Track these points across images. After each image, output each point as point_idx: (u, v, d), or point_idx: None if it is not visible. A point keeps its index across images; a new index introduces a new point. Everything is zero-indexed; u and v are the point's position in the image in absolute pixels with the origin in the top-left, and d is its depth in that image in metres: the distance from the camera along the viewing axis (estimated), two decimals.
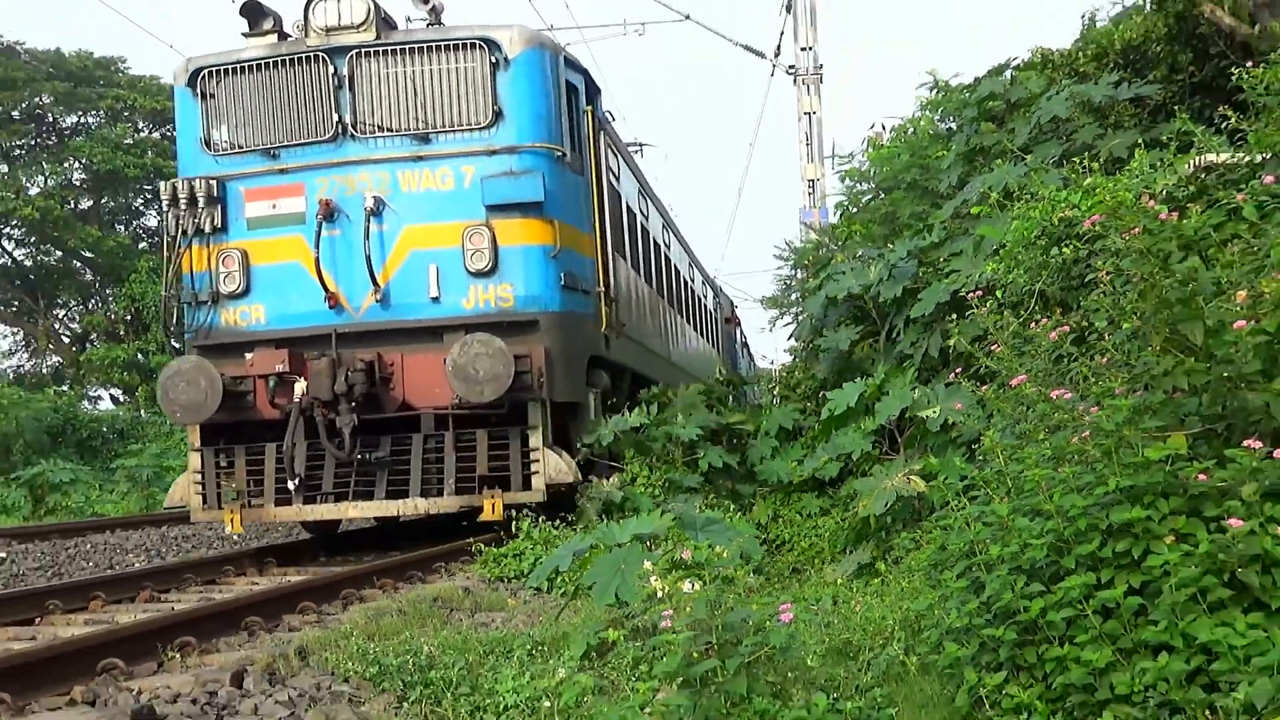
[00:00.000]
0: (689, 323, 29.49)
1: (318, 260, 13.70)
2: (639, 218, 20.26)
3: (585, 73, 16.33)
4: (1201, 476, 4.50)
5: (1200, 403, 5.11)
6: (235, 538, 18.47)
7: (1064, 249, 7.85)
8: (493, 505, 13.16)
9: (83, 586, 10.34)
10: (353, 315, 14.13)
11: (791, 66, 32.34)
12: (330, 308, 13.95)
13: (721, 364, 33.86)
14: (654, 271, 22.15)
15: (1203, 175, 7.74)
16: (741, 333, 52.72)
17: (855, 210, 14.52)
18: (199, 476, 14.39)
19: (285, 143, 14.22)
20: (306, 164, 14.21)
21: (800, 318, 12.94)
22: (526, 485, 13.47)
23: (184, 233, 14.23)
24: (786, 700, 3.65)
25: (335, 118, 14.02)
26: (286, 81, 14.16)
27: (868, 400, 10.33)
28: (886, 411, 9.88)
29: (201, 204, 14.07)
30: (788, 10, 32.36)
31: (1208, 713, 4.02)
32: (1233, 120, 8.09)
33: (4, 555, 16.35)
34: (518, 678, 5.04)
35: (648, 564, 4.67)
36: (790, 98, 32.55)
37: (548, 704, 4.44)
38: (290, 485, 13.69)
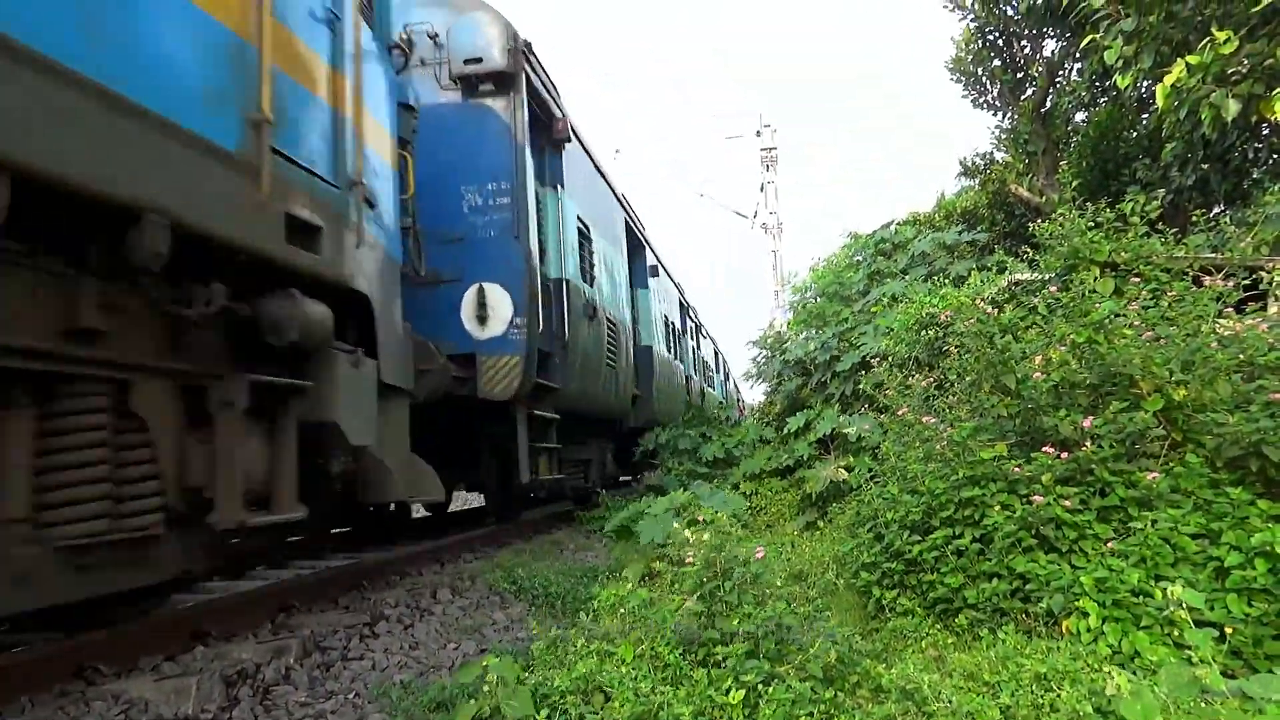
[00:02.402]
0: None
1: None
2: None
3: None
4: (1016, 469, 4.42)
5: (1015, 424, 5.02)
6: None
7: (929, 332, 7.78)
8: None
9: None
10: None
11: (764, 223, 32.36)
12: None
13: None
14: None
15: (1013, 287, 7.66)
16: (684, 300, 20.99)
17: (801, 309, 14.44)
18: None
19: None
20: None
21: (765, 373, 12.75)
22: None
23: None
24: (762, 606, 3.58)
25: None
26: None
27: (810, 422, 10.25)
28: (822, 429, 9.79)
29: None
30: (761, 191, 32.52)
31: (1024, 615, 3.92)
32: (1030, 254, 8.02)
33: None
34: (605, 590, 4.97)
35: (676, 523, 4.62)
36: (764, 242, 32.54)
37: (620, 607, 4.38)
38: None
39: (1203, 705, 1.82)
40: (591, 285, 10.40)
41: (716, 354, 30.84)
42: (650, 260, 15.90)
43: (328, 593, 5.91)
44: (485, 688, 2.95)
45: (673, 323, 18.43)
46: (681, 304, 20.67)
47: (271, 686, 3.92)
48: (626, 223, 13.95)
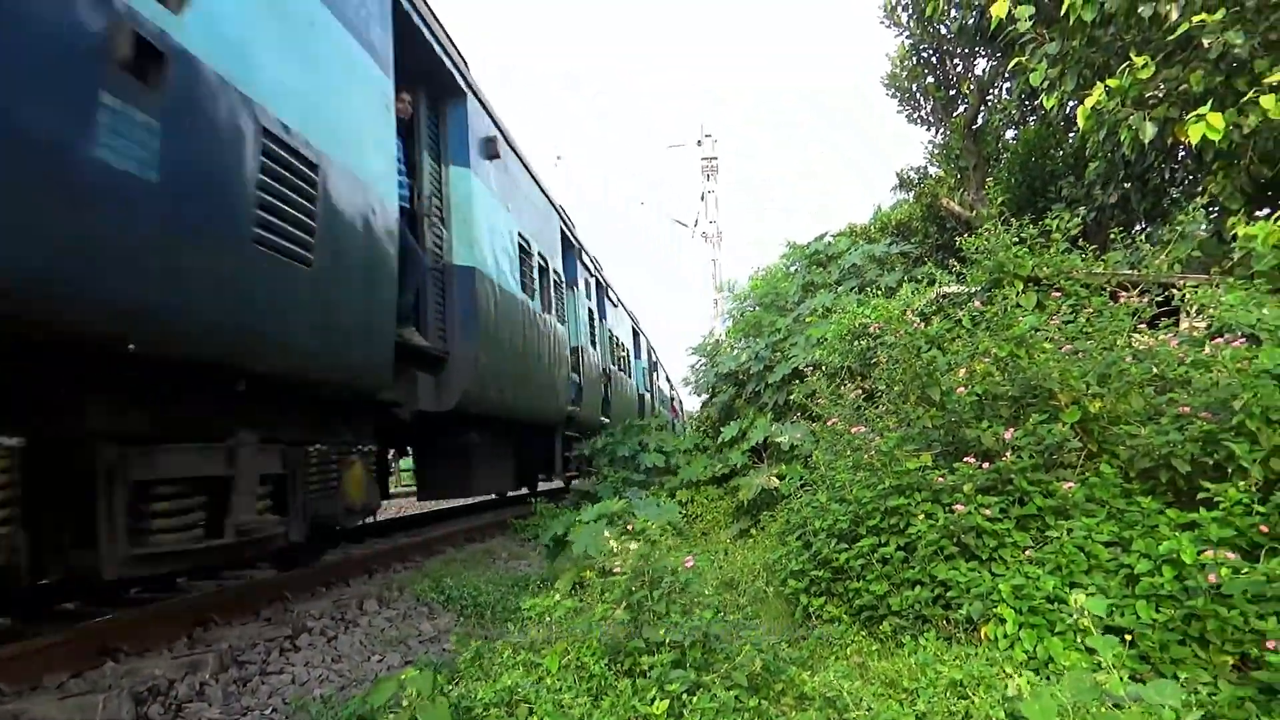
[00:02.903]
0: None
1: None
2: None
3: None
4: (940, 479, 4.51)
5: (939, 435, 5.13)
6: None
7: (860, 342, 7.90)
8: None
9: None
10: None
11: (704, 232, 32.60)
12: None
13: None
14: None
15: (941, 300, 7.84)
16: (572, 236, 14.96)
17: (740, 318, 14.57)
18: None
19: None
20: None
21: (702, 382, 12.71)
22: None
23: None
24: (689, 615, 3.59)
25: None
26: None
27: (744, 431, 10.33)
28: (755, 438, 9.87)
29: None
30: (702, 200, 32.79)
31: (945, 622, 4.00)
32: (958, 267, 8.22)
33: None
34: (531, 600, 4.93)
35: (607, 532, 4.62)
36: (703, 251, 32.75)
37: (548, 617, 4.35)
38: None
39: (1104, 710, 1.88)
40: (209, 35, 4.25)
41: (637, 334, 23.54)
42: (485, 128, 9.34)
43: (249, 605, 5.75)
44: (405, 701, 2.90)
45: (547, 259, 12.28)
46: (566, 237, 14.36)
47: (185, 703, 3.80)
48: (398, 8, 7.10)
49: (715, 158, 32.65)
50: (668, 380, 33.80)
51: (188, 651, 4.51)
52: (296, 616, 5.41)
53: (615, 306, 20.09)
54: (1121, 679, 2.88)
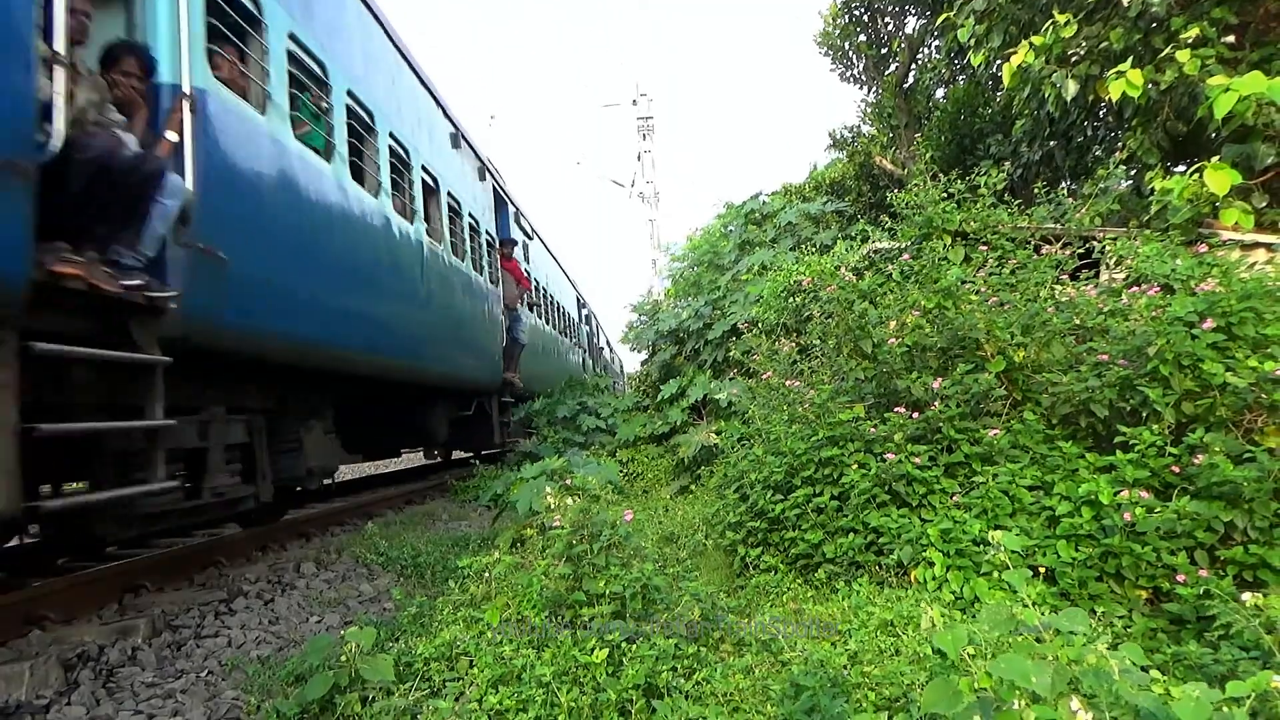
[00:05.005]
0: None
1: None
2: None
3: None
4: (872, 429, 4.61)
5: (871, 386, 5.23)
6: None
7: (795, 298, 7.98)
8: None
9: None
10: None
11: (641, 192, 32.45)
12: None
13: None
14: None
15: (873, 255, 7.95)
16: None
17: (680, 278, 14.59)
18: None
19: None
20: None
21: (642, 340, 12.63)
22: None
23: None
24: (629, 568, 3.62)
25: None
26: None
27: (683, 389, 10.40)
28: (694, 395, 9.96)
29: None
30: (638, 160, 32.58)
31: (877, 567, 4.11)
32: (889, 223, 8.33)
33: None
34: (470, 558, 4.93)
35: (548, 488, 4.62)
36: (640, 211, 32.57)
37: (488, 574, 4.35)
38: None
39: (1018, 639, 1.96)
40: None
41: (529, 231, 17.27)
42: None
43: (182, 571, 5.63)
44: (344, 657, 2.89)
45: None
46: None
47: (116, 668, 3.72)
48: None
49: (651, 117, 32.41)
50: (598, 325, 28.88)
51: (118, 618, 4.41)
52: (232, 581, 5.32)
53: (518, 214, 15.50)
54: (1042, 613, 3.01)
